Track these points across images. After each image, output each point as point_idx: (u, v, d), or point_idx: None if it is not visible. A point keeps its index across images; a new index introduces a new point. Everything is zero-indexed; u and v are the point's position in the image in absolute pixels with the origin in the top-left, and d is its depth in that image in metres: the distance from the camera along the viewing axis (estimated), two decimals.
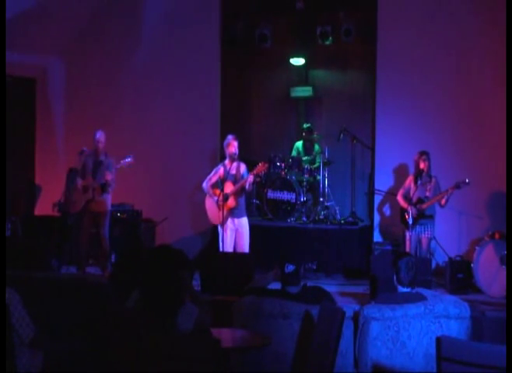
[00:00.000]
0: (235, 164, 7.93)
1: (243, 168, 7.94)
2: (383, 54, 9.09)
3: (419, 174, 7.87)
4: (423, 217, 7.78)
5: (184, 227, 9.69)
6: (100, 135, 8.26)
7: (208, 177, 8.03)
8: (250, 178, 7.76)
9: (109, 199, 8.26)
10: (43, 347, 4.21)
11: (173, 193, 9.76)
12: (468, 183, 7.56)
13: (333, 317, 4.07)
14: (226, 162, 7.95)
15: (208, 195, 8.03)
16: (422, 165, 7.85)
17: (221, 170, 7.98)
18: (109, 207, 8.29)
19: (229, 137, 7.95)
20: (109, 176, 8.06)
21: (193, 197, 9.64)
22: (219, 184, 7.97)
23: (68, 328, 4.68)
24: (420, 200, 7.78)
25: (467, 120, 8.81)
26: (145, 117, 9.93)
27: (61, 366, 4.43)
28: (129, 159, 8.12)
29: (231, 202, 7.82)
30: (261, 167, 7.80)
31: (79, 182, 8.25)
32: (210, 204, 8.01)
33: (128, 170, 9.24)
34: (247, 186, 7.80)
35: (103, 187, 8.11)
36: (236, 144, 7.88)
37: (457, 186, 7.58)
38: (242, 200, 7.97)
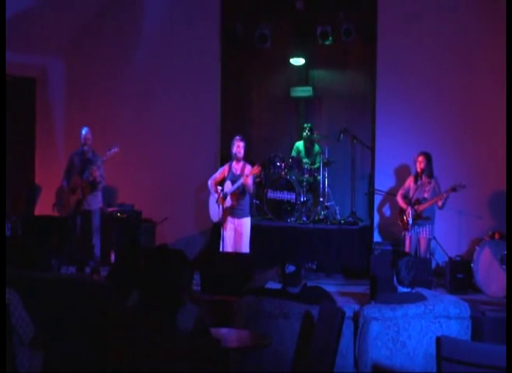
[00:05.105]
0: (241, 165, 7.98)
1: (247, 169, 7.95)
2: (383, 54, 9.09)
3: (417, 175, 7.89)
4: (421, 218, 7.78)
5: (184, 227, 9.68)
6: (87, 132, 8.09)
7: (214, 176, 8.11)
8: (244, 179, 7.77)
9: (99, 196, 8.14)
10: (43, 347, 4.21)
11: (174, 193, 9.76)
12: (465, 186, 7.56)
13: (333, 317, 4.07)
14: (233, 161, 7.98)
15: (211, 193, 8.07)
16: (418, 166, 7.87)
17: (226, 169, 8.03)
18: (99, 205, 8.17)
19: (236, 137, 7.99)
20: (96, 172, 7.88)
21: (193, 197, 9.65)
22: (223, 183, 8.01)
23: (68, 328, 4.68)
24: (418, 201, 7.79)
25: (467, 120, 8.81)
26: (145, 117, 9.92)
27: (61, 366, 4.43)
28: (114, 149, 7.92)
29: (229, 201, 7.86)
30: (255, 169, 7.81)
31: (64, 184, 8.11)
32: (212, 202, 8.04)
33: (128, 170, 9.26)
34: (248, 188, 7.81)
35: (93, 185, 7.97)
36: (240, 144, 7.91)
37: (454, 189, 7.59)
38: (244, 201, 7.98)
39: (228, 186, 7.91)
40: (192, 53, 9.80)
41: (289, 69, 10.99)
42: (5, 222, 8.57)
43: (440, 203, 7.75)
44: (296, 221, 9.45)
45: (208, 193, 8.16)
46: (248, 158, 8.14)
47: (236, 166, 7.98)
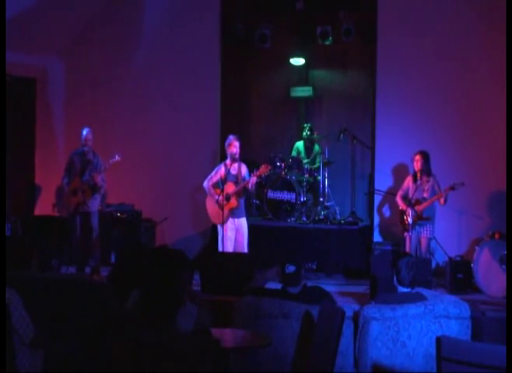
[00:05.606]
0: (236, 164, 7.95)
1: (244, 169, 7.96)
2: (383, 54, 9.09)
3: (415, 174, 7.90)
4: (421, 218, 7.78)
5: (183, 227, 9.68)
6: (88, 132, 8.06)
7: (209, 177, 8.04)
8: (253, 179, 7.77)
9: (98, 198, 8.16)
10: (43, 347, 4.21)
11: (173, 193, 9.76)
12: (464, 184, 7.56)
13: (333, 317, 4.07)
14: (227, 161, 7.95)
15: (209, 194, 8.04)
16: (416, 165, 7.88)
17: (222, 170, 7.97)
18: (97, 207, 8.19)
19: (231, 137, 7.96)
20: (98, 178, 7.91)
21: (193, 197, 9.64)
22: (220, 184, 7.96)
23: (68, 328, 4.68)
24: (418, 201, 7.79)
25: (467, 120, 8.81)
26: (145, 117, 9.93)
27: (61, 366, 4.43)
28: (117, 158, 7.93)
29: (233, 202, 7.84)
30: (263, 169, 7.81)
31: (65, 182, 8.14)
32: (211, 204, 8.01)
33: (128, 170, 9.25)
34: (249, 188, 7.82)
35: (94, 188, 7.98)
36: (237, 144, 7.89)
37: (452, 188, 7.60)
38: (242, 200, 8.00)
39: (231, 187, 7.88)
40: (192, 53, 9.80)
41: (289, 69, 10.99)
42: (5, 222, 8.57)
43: (441, 201, 7.75)
44: (295, 221, 9.44)
45: (204, 195, 8.13)
46: (249, 158, 8.13)
47: (232, 166, 7.93)
